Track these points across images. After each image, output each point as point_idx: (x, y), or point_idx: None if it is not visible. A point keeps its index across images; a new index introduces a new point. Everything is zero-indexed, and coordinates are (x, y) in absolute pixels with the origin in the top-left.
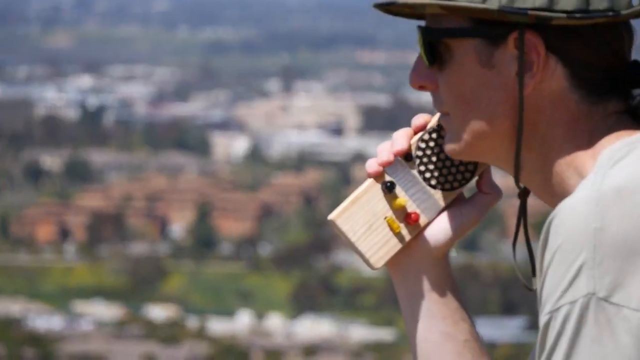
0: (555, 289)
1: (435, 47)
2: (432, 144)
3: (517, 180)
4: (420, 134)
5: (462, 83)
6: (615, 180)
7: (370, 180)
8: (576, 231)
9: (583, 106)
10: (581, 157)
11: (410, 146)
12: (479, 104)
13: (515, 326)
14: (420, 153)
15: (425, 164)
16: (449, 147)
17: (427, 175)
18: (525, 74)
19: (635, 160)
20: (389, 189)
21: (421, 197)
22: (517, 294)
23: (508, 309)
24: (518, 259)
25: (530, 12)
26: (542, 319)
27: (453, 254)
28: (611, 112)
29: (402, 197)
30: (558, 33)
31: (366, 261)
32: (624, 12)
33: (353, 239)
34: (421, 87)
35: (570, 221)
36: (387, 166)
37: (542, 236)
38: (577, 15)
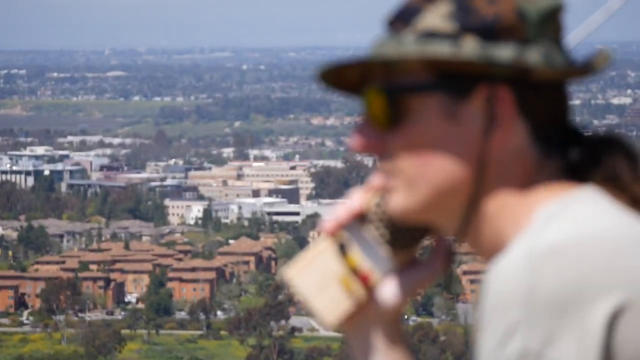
0: (489, 347)
1: (393, 105)
2: (386, 203)
3: (461, 236)
4: (375, 193)
5: (422, 139)
6: (548, 238)
7: (325, 239)
8: (509, 289)
9: (537, 161)
10: (521, 213)
11: (365, 206)
12: (441, 158)
13: None
14: (375, 212)
15: (380, 223)
16: (400, 206)
17: (381, 234)
18: (492, 128)
19: (568, 219)
20: (343, 249)
21: (375, 257)
22: (471, 357)
23: None
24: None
25: (514, 63)
26: None
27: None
28: (554, 168)
29: (356, 256)
30: (524, 86)
31: (320, 319)
32: (595, 64)
33: (307, 296)
34: (365, 150)
35: (503, 279)
36: (341, 226)
37: (478, 294)
38: (558, 66)
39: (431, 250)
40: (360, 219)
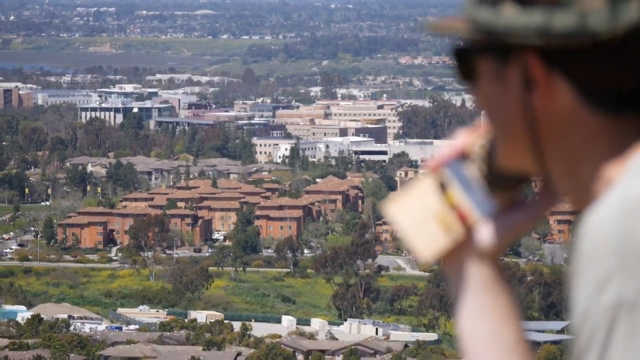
0: (584, 296)
1: (460, 65)
2: (491, 145)
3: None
4: (480, 134)
5: (484, 99)
6: None
7: (429, 176)
8: (603, 238)
9: (601, 118)
10: (609, 166)
11: (469, 146)
12: (500, 119)
13: (557, 329)
14: (478, 153)
15: (483, 164)
16: (498, 158)
17: (483, 175)
18: (530, 91)
19: None
20: (445, 186)
21: (474, 197)
22: (558, 297)
23: (549, 311)
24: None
25: (538, 31)
26: (574, 325)
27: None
28: (635, 123)
29: (456, 194)
30: (559, 51)
31: (417, 254)
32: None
33: (406, 231)
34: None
35: (597, 229)
36: (444, 164)
37: (572, 243)
38: (576, 34)
39: (534, 195)
40: (464, 158)
